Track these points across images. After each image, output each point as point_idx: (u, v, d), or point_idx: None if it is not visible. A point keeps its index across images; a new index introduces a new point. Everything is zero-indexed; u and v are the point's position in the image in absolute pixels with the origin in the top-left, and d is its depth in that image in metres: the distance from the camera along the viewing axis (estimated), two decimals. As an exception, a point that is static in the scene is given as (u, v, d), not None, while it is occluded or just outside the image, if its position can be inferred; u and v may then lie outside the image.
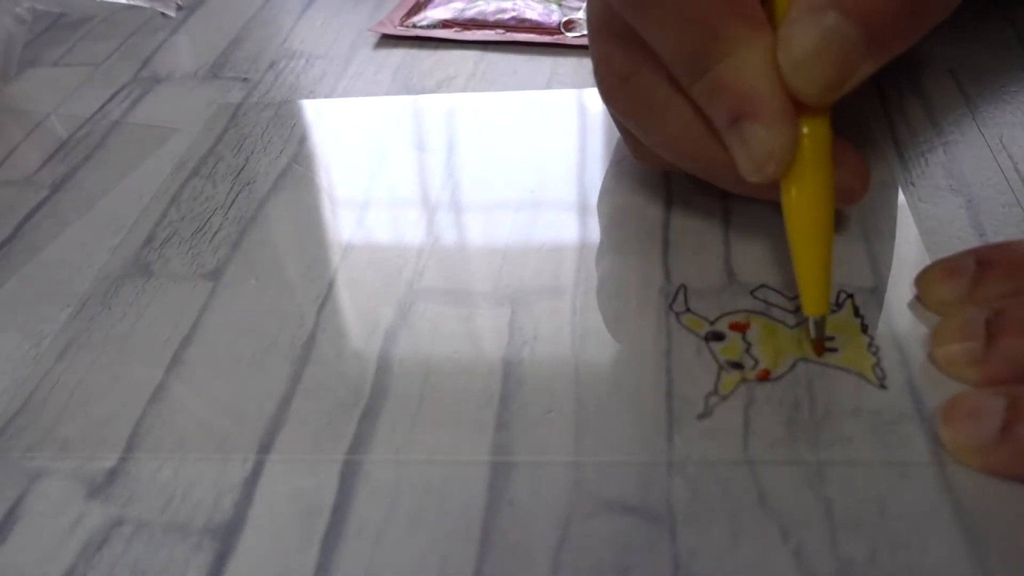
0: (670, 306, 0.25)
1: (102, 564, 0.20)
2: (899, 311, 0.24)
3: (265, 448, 0.22)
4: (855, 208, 0.27)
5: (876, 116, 0.31)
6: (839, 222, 0.27)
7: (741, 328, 0.24)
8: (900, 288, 0.24)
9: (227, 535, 0.20)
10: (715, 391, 0.22)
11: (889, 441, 0.20)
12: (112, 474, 0.22)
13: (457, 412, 0.22)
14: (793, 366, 0.22)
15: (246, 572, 0.19)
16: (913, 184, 0.28)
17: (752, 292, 0.25)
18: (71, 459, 0.22)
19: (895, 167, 0.29)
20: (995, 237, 0.26)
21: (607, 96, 0.26)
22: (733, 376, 0.22)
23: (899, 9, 0.20)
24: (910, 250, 0.26)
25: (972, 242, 0.26)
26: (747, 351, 0.23)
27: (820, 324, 0.22)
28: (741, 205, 0.28)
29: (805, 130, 0.21)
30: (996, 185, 0.28)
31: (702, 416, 0.21)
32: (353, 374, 0.24)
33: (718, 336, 0.23)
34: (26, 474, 0.22)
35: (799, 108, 0.21)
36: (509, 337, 0.24)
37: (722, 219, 0.27)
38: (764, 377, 0.22)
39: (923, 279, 0.24)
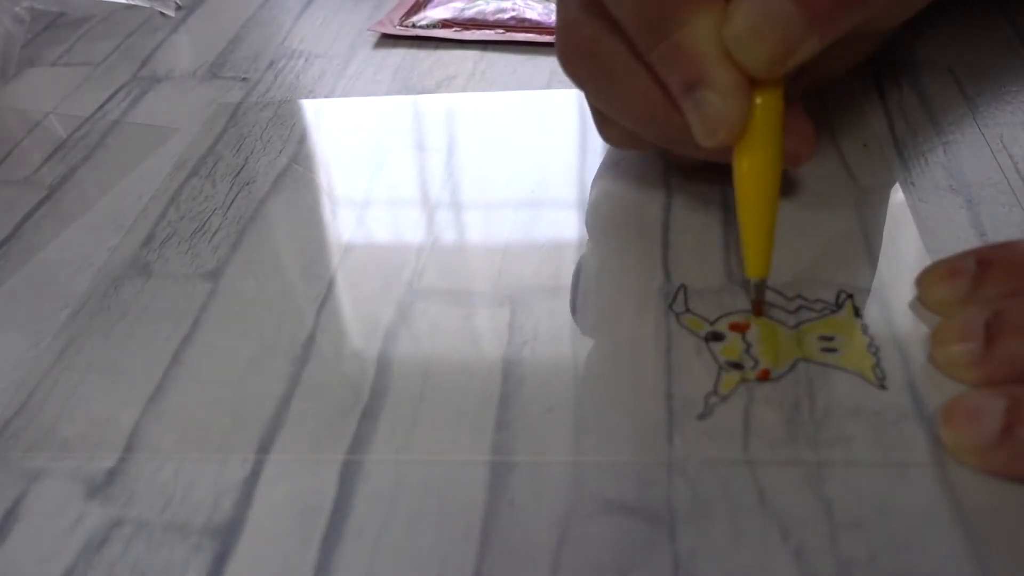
0: (670, 306, 0.25)
1: (102, 564, 0.20)
2: (899, 311, 0.24)
3: (265, 448, 0.22)
4: (856, 208, 0.27)
5: (876, 116, 0.31)
6: (839, 221, 0.27)
7: (741, 328, 0.24)
8: (900, 288, 0.24)
9: (227, 535, 0.20)
10: (715, 391, 0.22)
11: (889, 441, 0.20)
12: (112, 474, 0.22)
13: (457, 412, 0.22)
14: (793, 366, 0.22)
15: (246, 572, 0.19)
16: (913, 184, 0.28)
17: None
18: (71, 459, 0.22)
19: (895, 167, 0.29)
20: (995, 237, 0.26)
21: (568, 62, 0.26)
22: (733, 376, 0.22)
23: None
24: (910, 250, 0.26)
25: (972, 242, 0.26)
26: (747, 351, 0.23)
27: (760, 287, 0.23)
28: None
29: (758, 100, 0.22)
30: (996, 185, 0.28)
31: (702, 416, 0.21)
32: (353, 374, 0.24)
33: (718, 336, 0.23)
34: (26, 474, 0.22)
35: (752, 79, 0.22)
36: (509, 337, 0.24)
37: (722, 219, 0.27)
38: (764, 377, 0.22)
39: (923, 279, 0.24)
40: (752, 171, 0.23)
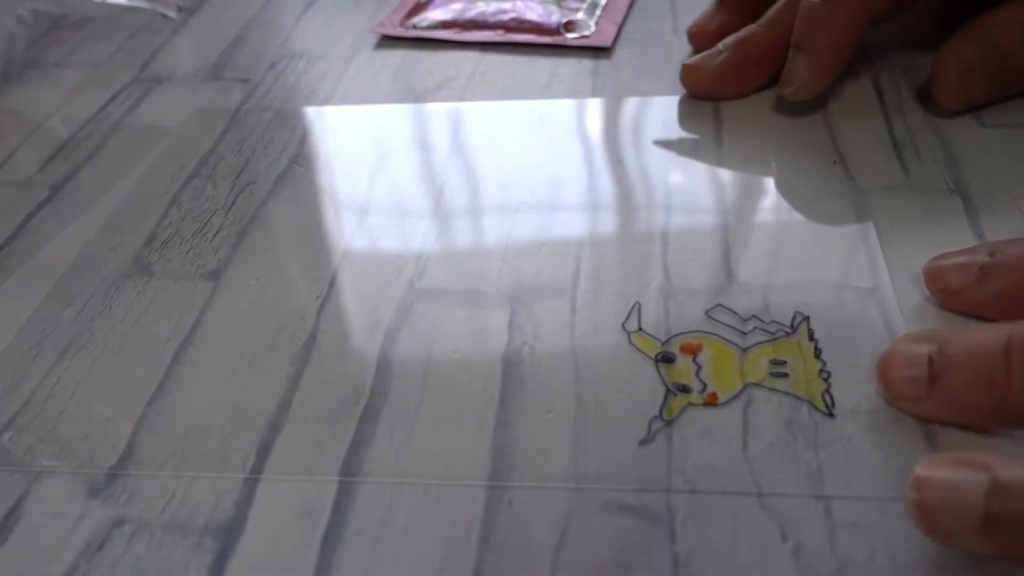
0: (623, 325, 0.24)
1: (103, 564, 0.20)
2: (897, 311, 0.24)
3: (265, 448, 0.22)
4: (854, 209, 0.27)
5: (875, 116, 0.31)
6: (837, 222, 0.27)
7: (693, 350, 0.23)
8: (899, 288, 0.24)
9: (227, 535, 0.20)
10: (659, 415, 0.22)
11: (888, 441, 0.20)
12: (112, 474, 0.22)
13: (457, 412, 0.22)
14: (742, 391, 0.22)
15: (246, 572, 0.19)
16: (912, 185, 0.28)
17: (707, 312, 0.24)
18: (71, 459, 0.22)
19: (894, 167, 0.29)
20: (994, 237, 0.26)
21: None
22: (679, 400, 0.22)
23: None
24: (909, 250, 0.26)
25: (971, 242, 0.25)
26: (697, 374, 0.22)
27: None
28: (741, 206, 0.28)
29: None
30: (995, 186, 0.28)
31: (643, 442, 0.21)
32: (353, 374, 0.24)
33: (668, 358, 0.23)
34: (27, 474, 0.22)
35: None
36: (509, 337, 0.24)
37: (722, 221, 0.27)
38: (712, 402, 0.22)
39: (932, 268, 0.24)
40: None
